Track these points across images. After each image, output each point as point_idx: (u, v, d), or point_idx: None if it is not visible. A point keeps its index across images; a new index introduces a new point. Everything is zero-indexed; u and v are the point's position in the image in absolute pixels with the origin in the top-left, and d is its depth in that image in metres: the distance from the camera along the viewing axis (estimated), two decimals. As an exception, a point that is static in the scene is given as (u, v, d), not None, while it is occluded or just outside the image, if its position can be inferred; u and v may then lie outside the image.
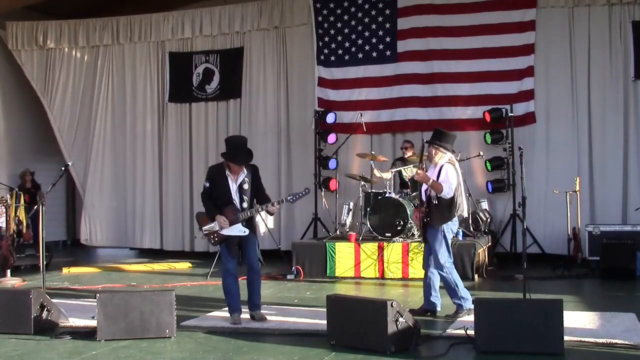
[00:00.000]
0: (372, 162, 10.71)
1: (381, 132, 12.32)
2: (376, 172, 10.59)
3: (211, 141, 13.42)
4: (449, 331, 5.99)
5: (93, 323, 6.21)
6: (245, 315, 6.97)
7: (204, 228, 6.52)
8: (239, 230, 6.44)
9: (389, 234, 9.75)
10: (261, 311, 6.71)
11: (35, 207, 7.50)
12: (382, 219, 9.91)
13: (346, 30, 12.53)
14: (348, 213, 10.78)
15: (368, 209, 10.09)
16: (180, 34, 13.57)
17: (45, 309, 6.37)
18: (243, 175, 6.44)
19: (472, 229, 10.26)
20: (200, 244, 13.38)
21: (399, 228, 9.78)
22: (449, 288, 6.78)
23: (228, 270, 6.65)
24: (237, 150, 6.39)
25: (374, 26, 12.37)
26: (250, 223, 6.57)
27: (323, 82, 12.70)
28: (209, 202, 6.51)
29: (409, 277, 9.44)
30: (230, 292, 6.62)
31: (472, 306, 6.80)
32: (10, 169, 13.01)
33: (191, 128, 13.60)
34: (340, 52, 12.58)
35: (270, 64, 13.11)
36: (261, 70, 13.18)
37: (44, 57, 13.93)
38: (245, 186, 6.40)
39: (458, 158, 10.38)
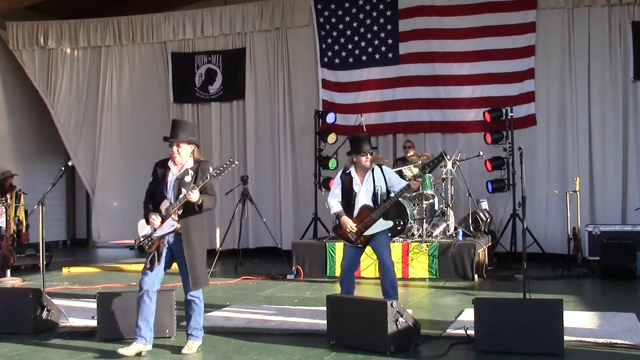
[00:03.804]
0: (372, 162, 10.70)
1: (385, 134, 12.36)
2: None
3: (215, 141, 13.43)
4: (449, 331, 5.98)
5: (93, 323, 6.21)
6: (244, 315, 6.97)
7: (140, 234, 5.53)
8: (170, 226, 5.37)
9: (389, 234, 9.71)
10: (193, 342, 5.54)
11: (35, 207, 7.49)
12: (382, 219, 9.90)
13: (348, 32, 12.54)
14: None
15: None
16: (181, 35, 13.61)
17: (45, 309, 6.37)
18: (187, 166, 5.43)
19: (472, 229, 10.26)
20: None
21: (399, 228, 9.77)
22: (395, 284, 6.50)
23: (140, 286, 5.45)
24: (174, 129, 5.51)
25: (375, 28, 12.39)
26: (186, 225, 5.40)
27: (327, 85, 12.72)
28: (147, 202, 5.57)
29: (409, 277, 9.45)
30: (138, 313, 5.43)
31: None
32: (13, 168, 12.99)
33: (197, 128, 13.62)
34: (343, 54, 12.60)
35: (273, 64, 13.13)
36: (264, 71, 13.21)
37: (46, 57, 13.95)
38: (188, 179, 5.35)
39: (458, 158, 10.48)
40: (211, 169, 5.33)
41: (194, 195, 5.20)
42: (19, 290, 7.03)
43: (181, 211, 5.33)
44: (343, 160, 11.94)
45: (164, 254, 5.46)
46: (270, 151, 13.16)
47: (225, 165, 5.25)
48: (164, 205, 5.39)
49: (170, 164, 5.48)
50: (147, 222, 5.45)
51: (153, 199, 5.50)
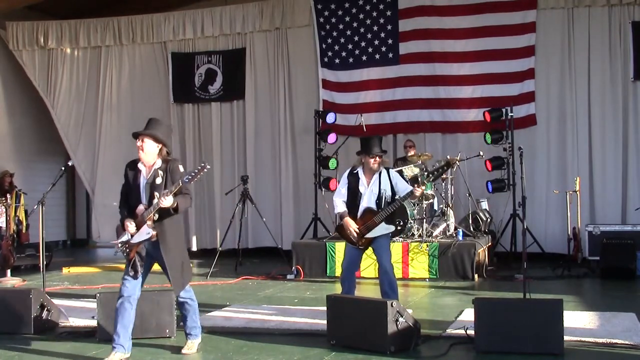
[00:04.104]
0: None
1: (385, 134, 12.36)
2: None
3: (215, 141, 13.42)
4: (449, 331, 5.99)
5: (93, 323, 6.22)
6: (244, 315, 6.98)
7: (118, 240, 5.36)
8: (146, 233, 5.19)
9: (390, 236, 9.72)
10: (193, 341, 5.55)
11: (35, 207, 7.50)
12: (382, 219, 9.89)
13: (348, 32, 12.54)
14: (348, 213, 10.76)
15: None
16: (181, 35, 13.59)
17: (45, 309, 6.37)
18: (156, 167, 5.27)
19: (472, 229, 10.26)
20: (203, 241, 13.39)
21: (399, 228, 9.70)
22: (395, 286, 6.50)
23: (121, 293, 5.29)
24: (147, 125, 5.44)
25: (375, 28, 12.38)
26: (162, 230, 5.22)
27: (327, 85, 12.72)
28: (121, 206, 5.43)
29: (409, 277, 9.45)
30: (118, 319, 5.26)
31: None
32: (13, 168, 13.00)
33: (197, 128, 13.63)
34: (344, 54, 12.60)
35: (273, 65, 13.13)
36: (265, 71, 13.21)
37: (46, 57, 13.93)
38: (158, 180, 5.19)
39: (458, 158, 10.47)
40: (181, 168, 5.23)
41: (167, 202, 5.02)
42: (19, 290, 7.03)
43: (157, 216, 5.15)
44: (343, 160, 12.03)
45: (143, 259, 5.28)
46: (270, 151, 13.16)
47: (197, 171, 5.01)
48: (140, 210, 5.22)
49: (140, 165, 5.32)
50: (123, 227, 5.28)
51: (127, 202, 5.35)
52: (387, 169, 6.64)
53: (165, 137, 5.32)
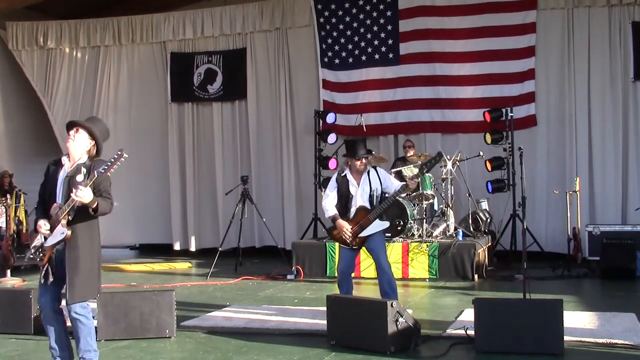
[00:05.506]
0: (372, 162, 10.71)
1: (386, 134, 12.39)
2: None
3: (217, 141, 13.41)
4: (449, 331, 5.99)
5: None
6: (244, 315, 6.98)
7: (32, 245, 4.77)
8: (60, 233, 4.62)
9: (389, 234, 9.71)
10: None
11: (35, 207, 7.49)
12: (382, 219, 9.89)
13: (349, 33, 12.53)
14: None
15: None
16: (181, 35, 13.57)
17: (46, 309, 6.36)
18: (80, 162, 4.78)
19: (472, 229, 10.25)
20: (205, 241, 13.37)
21: (399, 228, 9.77)
22: (394, 284, 6.49)
23: (40, 306, 4.89)
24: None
25: (375, 28, 12.38)
26: (73, 231, 4.63)
27: (327, 85, 12.71)
28: (37, 206, 4.93)
29: (409, 277, 9.45)
30: (48, 334, 4.85)
31: None
32: (11, 168, 12.99)
33: (197, 128, 13.63)
34: (344, 54, 12.59)
35: (273, 65, 13.13)
36: (265, 71, 13.21)
37: (45, 57, 13.90)
38: (79, 178, 4.62)
39: (458, 158, 10.48)
40: (100, 169, 4.57)
41: (86, 195, 4.46)
42: (19, 290, 7.03)
43: (72, 216, 4.61)
44: (343, 160, 12.01)
45: (54, 266, 4.70)
46: (272, 151, 13.16)
47: (113, 159, 4.50)
48: (54, 210, 4.65)
49: (64, 159, 4.82)
50: (36, 230, 4.72)
51: (44, 203, 4.80)
52: (375, 167, 6.67)
53: (100, 136, 4.90)
